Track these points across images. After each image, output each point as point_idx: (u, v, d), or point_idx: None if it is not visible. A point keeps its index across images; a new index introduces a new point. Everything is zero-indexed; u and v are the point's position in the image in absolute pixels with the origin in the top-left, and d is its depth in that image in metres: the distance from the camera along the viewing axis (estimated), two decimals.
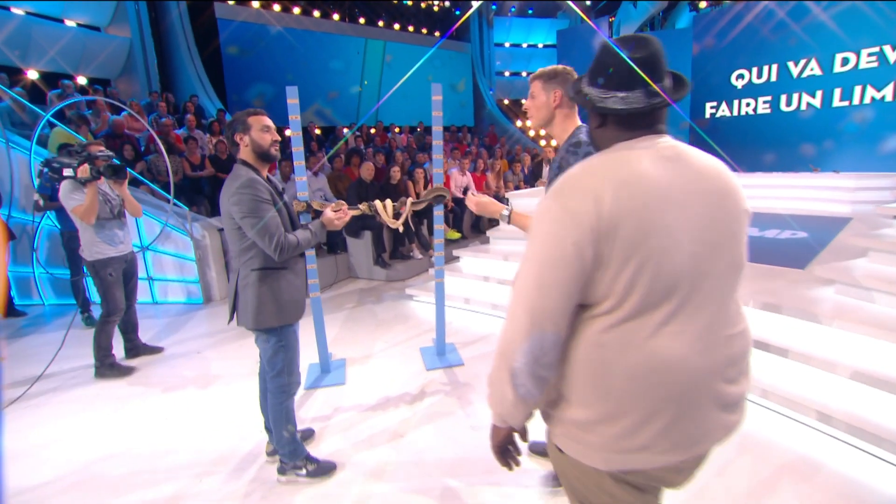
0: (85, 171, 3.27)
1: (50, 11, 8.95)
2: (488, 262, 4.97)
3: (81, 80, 9.43)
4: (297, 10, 12.98)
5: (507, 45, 18.16)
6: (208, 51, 11.21)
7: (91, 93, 8.93)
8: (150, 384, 3.47)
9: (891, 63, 8.08)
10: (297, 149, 3.00)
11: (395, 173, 6.55)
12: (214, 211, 6.47)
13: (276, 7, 12.58)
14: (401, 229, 5.73)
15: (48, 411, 3.14)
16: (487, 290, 4.79)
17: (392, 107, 14.06)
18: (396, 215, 3.37)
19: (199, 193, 6.75)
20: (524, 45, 18.28)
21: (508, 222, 2.00)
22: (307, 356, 3.49)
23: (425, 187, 6.83)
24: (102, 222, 3.44)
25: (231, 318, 2.15)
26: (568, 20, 16.78)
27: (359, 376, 3.47)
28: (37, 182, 3.54)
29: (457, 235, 6.96)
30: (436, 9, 16.17)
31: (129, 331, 3.87)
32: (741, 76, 10.08)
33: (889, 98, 8.19)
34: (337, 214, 2.23)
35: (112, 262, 3.50)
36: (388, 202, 3.35)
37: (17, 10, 8.57)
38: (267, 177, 2.14)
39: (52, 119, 5.61)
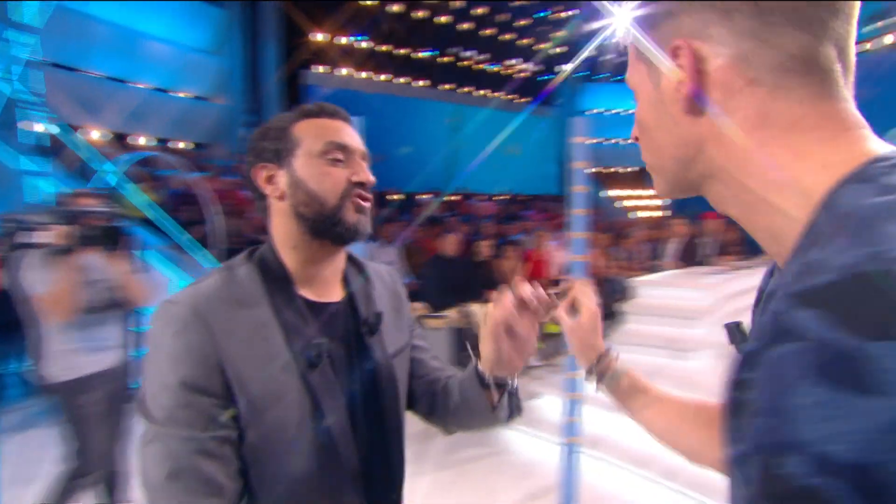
0: (61, 235, 2.12)
1: (166, 84, 9.51)
2: None
3: (181, 145, 9.77)
4: (383, 77, 12.97)
5: (595, 111, 17.22)
6: None
7: (190, 157, 9.21)
8: None
9: None
10: None
11: (482, 248, 5.31)
12: None
13: (363, 74, 12.60)
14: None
15: None
16: (626, 429, 3.21)
17: (470, 173, 13.30)
18: None
19: None
20: (617, 112, 17.22)
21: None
22: None
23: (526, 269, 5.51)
24: (80, 317, 2.19)
25: None
26: None
27: None
28: None
29: (557, 329, 5.49)
30: (525, 75, 15.69)
31: (117, 486, 2.30)
32: None
33: None
34: None
35: (92, 382, 2.19)
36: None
37: (141, 85, 9.25)
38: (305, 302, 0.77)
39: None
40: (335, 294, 0.81)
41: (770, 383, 0.28)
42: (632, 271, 5.91)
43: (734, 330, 0.49)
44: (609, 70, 15.76)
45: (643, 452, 2.82)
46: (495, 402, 0.81)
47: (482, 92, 14.99)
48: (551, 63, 15.48)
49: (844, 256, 0.28)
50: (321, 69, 11.95)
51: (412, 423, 0.88)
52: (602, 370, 0.76)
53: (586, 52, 10.75)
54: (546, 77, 15.62)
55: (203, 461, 0.63)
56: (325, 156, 0.75)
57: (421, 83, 13.60)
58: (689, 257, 5.52)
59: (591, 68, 16.17)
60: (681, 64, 0.41)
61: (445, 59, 14.17)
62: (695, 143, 0.43)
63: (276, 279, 0.74)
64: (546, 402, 3.25)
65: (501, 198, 11.72)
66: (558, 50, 14.94)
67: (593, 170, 16.77)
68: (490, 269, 5.47)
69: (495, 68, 15.27)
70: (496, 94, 15.34)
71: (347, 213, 0.75)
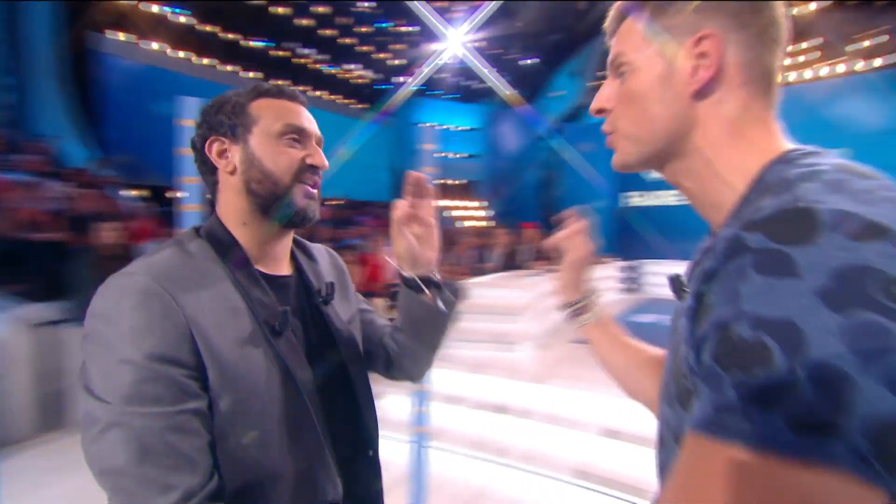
0: None
1: None
2: (452, 377, 3.67)
3: None
4: (206, 61, 11.64)
5: (428, 125, 18.14)
6: (92, 91, 9.22)
7: None
8: None
9: None
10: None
11: None
12: (49, 294, 4.35)
13: (181, 53, 11.14)
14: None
15: None
16: (462, 418, 3.42)
17: None
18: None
19: (25, 266, 4.62)
20: (447, 127, 18.37)
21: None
22: None
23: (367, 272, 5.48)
24: None
25: None
26: (494, 107, 17.17)
27: None
28: None
29: None
30: (362, 81, 15.71)
31: None
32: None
33: None
34: None
35: None
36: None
37: None
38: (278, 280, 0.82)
39: None
40: (284, 269, 0.83)
41: (725, 282, 0.39)
42: (462, 274, 6.36)
43: (675, 280, 0.60)
44: (442, 88, 16.76)
45: (477, 437, 3.06)
46: (433, 301, 0.88)
47: (318, 93, 14.56)
48: (389, 73, 15.83)
49: (775, 201, 0.40)
50: (122, 36, 10.09)
51: None
52: (582, 309, 0.86)
53: (428, 69, 11.24)
54: (383, 86, 15.90)
55: (174, 437, 0.60)
56: (282, 137, 0.77)
57: (251, 74, 12.58)
58: (510, 261, 6.23)
59: (427, 84, 17.03)
60: (704, 51, 0.50)
61: (280, 52, 13.39)
62: (689, 121, 0.52)
63: (230, 252, 0.75)
64: (390, 402, 3.29)
65: (335, 202, 11.49)
66: (397, 62, 15.36)
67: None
68: None
69: (333, 70, 14.98)
70: (332, 96, 15.05)
71: (297, 197, 0.77)
